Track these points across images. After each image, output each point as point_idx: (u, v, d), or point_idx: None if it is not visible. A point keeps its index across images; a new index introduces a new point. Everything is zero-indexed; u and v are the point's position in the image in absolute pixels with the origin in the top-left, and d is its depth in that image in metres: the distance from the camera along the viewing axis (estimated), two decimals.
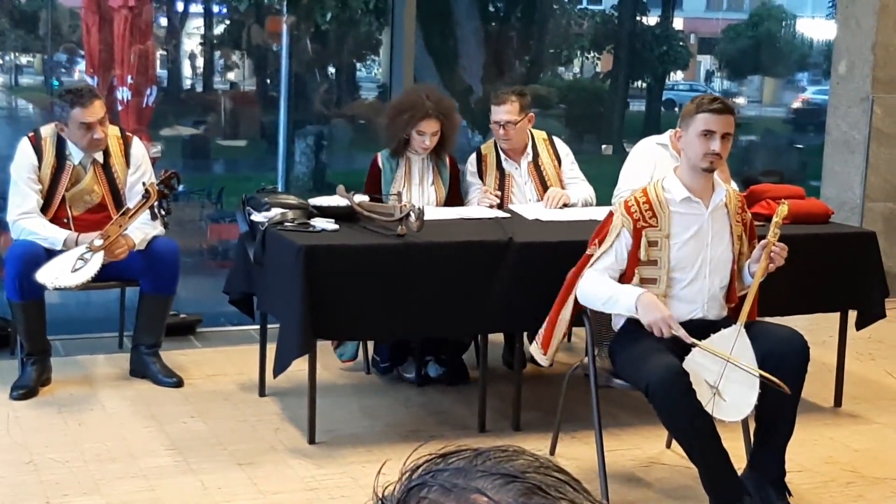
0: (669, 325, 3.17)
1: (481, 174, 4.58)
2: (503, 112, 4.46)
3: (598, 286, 3.31)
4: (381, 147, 4.54)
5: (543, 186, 4.58)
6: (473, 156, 4.64)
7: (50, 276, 3.93)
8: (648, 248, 3.31)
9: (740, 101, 18.57)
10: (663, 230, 3.32)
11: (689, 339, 3.16)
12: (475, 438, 3.86)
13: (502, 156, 4.59)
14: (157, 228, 4.24)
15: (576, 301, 3.42)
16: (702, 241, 3.35)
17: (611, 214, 3.39)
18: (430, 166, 4.47)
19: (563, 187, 4.61)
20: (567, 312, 3.46)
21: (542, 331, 3.55)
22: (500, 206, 4.49)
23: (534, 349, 3.59)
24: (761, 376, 3.14)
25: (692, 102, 3.38)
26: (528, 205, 4.51)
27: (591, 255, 3.37)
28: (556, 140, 4.72)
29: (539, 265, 3.80)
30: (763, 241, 3.34)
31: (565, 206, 4.46)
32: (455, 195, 4.54)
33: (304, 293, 3.59)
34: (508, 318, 3.88)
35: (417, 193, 4.43)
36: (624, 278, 3.33)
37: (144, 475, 3.48)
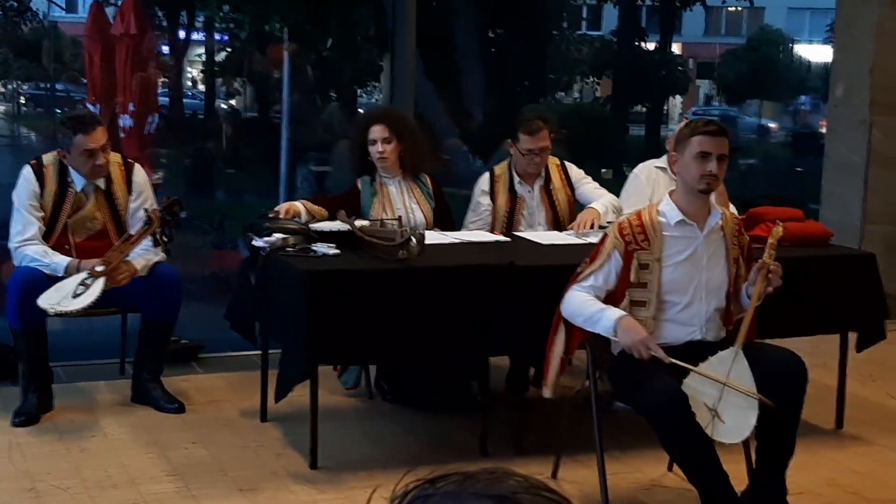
0: (648, 347, 3.18)
1: (493, 195, 4.58)
2: (541, 140, 4.48)
3: (582, 304, 3.33)
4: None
5: (553, 212, 4.58)
6: (486, 175, 4.62)
7: (51, 301, 3.94)
8: (639, 270, 3.32)
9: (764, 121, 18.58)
10: (654, 253, 3.33)
11: (668, 360, 3.16)
12: (477, 462, 3.85)
13: (516, 178, 4.59)
14: (158, 255, 4.25)
15: (574, 329, 3.40)
16: (697, 265, 3.36)
17: (606, 236, 3.41)
18: (406, 188, 4.48)
19: (572, 214, 4.60)
20: (559, 343, 3.43)
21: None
22: (510, 229, 4.50)
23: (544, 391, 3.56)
24: (754, 396, 3.14)
25: (686, 126, 3.40)
26: (538, 232, 4.50)
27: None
28: (569, 165, 4.69)
29: (541, 289, 3.80)
30: (759, 263, 3.34)
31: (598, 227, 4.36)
32: (443, 213, 4.54)
33: (306, 318, 3.60)
34: (510, 342, 3.87)
35: (404, 216, 4.44)
36: (614, 300, 3.34)
37: (146, 501, 3.48)
